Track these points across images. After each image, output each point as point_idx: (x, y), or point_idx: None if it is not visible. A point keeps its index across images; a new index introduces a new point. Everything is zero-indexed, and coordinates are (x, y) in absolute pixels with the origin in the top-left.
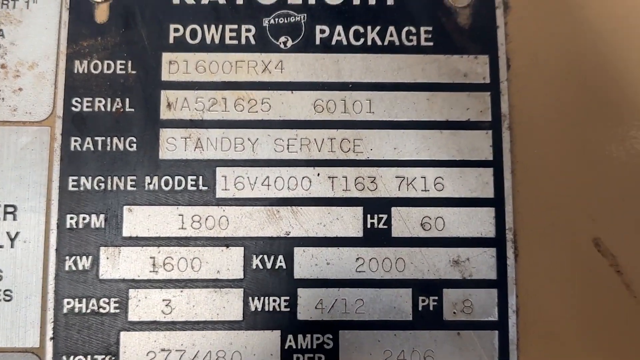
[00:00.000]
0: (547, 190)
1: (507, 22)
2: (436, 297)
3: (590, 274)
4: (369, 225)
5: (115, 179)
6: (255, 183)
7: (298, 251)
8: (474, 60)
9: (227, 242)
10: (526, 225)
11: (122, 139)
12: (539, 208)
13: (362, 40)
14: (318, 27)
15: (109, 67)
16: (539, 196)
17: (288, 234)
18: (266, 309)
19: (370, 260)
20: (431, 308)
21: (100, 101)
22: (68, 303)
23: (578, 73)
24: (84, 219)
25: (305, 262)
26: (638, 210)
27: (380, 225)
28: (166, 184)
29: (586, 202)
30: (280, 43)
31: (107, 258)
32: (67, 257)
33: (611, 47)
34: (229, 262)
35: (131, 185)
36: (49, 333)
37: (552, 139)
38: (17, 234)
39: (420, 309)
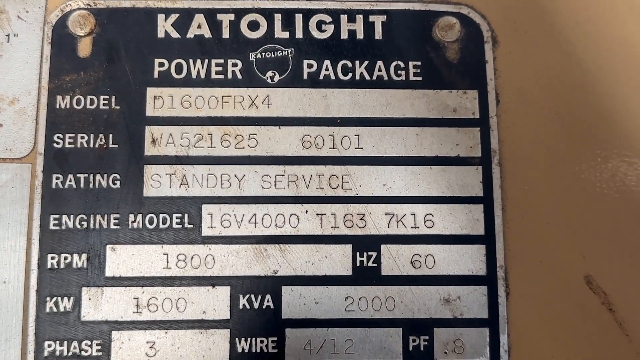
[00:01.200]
0: (538, 227)
1: (496, 57)
2: (427, 337)
3: (581, 312)
4: (358, 264)
5: (98, 217)
6: (242, 220)
7: (286, 290)
8: (463, 95)
9: (213, 281)
10: (517, 263)
11: (105, 175)
12: (529, 245)
13: (350, 75)
14: (305, 62)
15: (92, 102)
16: (530, 233)
17: (276, 273)
18: (253, 350)
19: (359, 299)
20: (422, 348)
21: (82, 137)
22: (49, 346)
23: (567, 108)
24: (65, 258)
25: (294, 302)
26: (629, 246)
27: (370, 263)
28: (150, 222)
29: (577, 238)
30: (267, 78)
31: (89, 299)
32: (48, 298)
33: (599, 81)
34: (215, 302)
35: (114, 224)
36: None
37: (543, 175)
38: None
39: (410, 349)
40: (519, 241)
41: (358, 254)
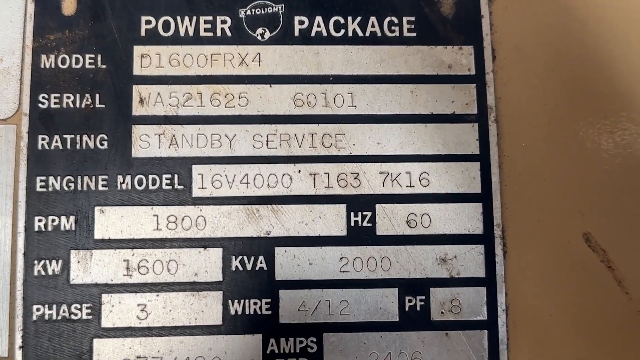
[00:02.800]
0: (536, 185)
1: (492, 12)
2: (423, 297)
3: (580, 270)
4: (352, 224)
5: (86, 178)
6: (233, 181)
7: (279, 251)
8: (458, 51)
9: (204, 243)
10: (515, 221)
11: (92, 136)
12: (527, 203)
13: (342, 31)
14: (297, 18)
15: (77, 62)
16: (527, 191)
17: (268, 234)
18: (246, 312)
19: (354, 259)
20: (418, 308)
21: (68, 97)
22: (37, 310)
23: (565, 63)
24: (53, 221)
25: (287, 263)
26: (628, 203)
27: (365, 223)
28: (139, 183)
29: (575, 196)
30: (257, 35)
31: (78, 262)
32: (36, 262)
33: (598, 37)
34: (207, 264)
35: (102, 185)
36: (18, 341)
37: (540, 132)
38: None
39: (407, 309)
40: (516, 199)
41: (352, 213)
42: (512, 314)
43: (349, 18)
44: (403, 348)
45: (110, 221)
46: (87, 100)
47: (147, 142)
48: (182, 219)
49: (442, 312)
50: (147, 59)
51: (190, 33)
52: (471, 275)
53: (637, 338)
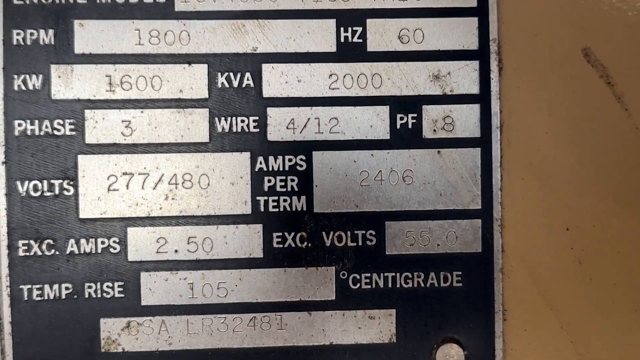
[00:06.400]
0: None
1: None
2: (415, 115)
3: (578, 86)
4: (342, 39)
5: None
6: None
7: (266, 68)
8: None
9: (189, 59)
10: (511, 36)
11: None
12: (525, 16)
13: None
14: None
15: None
16: (525, 3)
17: (255, 50)
18: (234, 129)
19: (344, 76)
20: (410, 126)
21: None
22: (19, 125)
23: None
24: (31, 34)
25: (275, 80)
26: (630, 16)
27: (355, 39)
28: None
29: (575, 9)
30: None
31: (59, 77)
32: (15, 76)
33: None
34: (192, 81)
35: None
36: (1, 157)
37: None
38: None
39: (398, 127)
40: (513, 13)
41: (342, 29)
42: (506, 131)
43: None
44: (394, 166)
45: (90, 35)
46: None
47: None
48: (165, 34)
49: (434, 130)
50: None
51: None
52: (465, 92)
53: (636, 155)
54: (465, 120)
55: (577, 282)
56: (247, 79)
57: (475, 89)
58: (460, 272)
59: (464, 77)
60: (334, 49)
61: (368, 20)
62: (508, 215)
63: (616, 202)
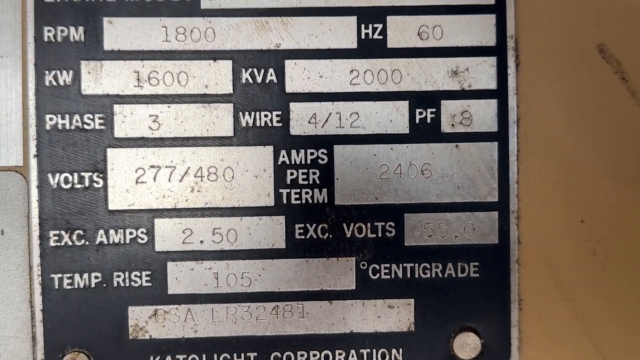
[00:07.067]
0: None
1: None
2: (434, 109)
3: (594, 82)
4: (363, 36)
5: None
6: None
7: (289, 64)
8: None
9: (214, 55)
10: (528, 32)
11: None
12: (541, 14)
13: None
14: None
15: None
16: (542, 1)
17: (278, 46)
18: (257, 124)
19: (365, 72)
20: (429, 120)
21: None
22: (50, 119)
23: None
24: (62, 31)
25: (297, 76)
26: None
27: (375, 36)
28: None
29: (590, 6)
30: None
31: (89, 72)
32: (47, 72)
33: None
34: (217, 77)
35: None
36: (32, 150)
37: None
38: None
39: (417, 121)
40: (530, 10)
41: (363, 26)
42: (523, 126)
43: None
44: (413, 160)
45: (119, 32)
46: None
47: None
48: (191, 31)
49: (452, 125)
50: None
51: None
52: (483, 88)
53: None
54: (483, 115)
55: (591, 273)
56: (271, 75)
57: (492, 85)
58: (477, 263)
59: (481, 72)
60: (354, 45)
61: (388, 17)
62: (524, 207)
63: (630, 195)
